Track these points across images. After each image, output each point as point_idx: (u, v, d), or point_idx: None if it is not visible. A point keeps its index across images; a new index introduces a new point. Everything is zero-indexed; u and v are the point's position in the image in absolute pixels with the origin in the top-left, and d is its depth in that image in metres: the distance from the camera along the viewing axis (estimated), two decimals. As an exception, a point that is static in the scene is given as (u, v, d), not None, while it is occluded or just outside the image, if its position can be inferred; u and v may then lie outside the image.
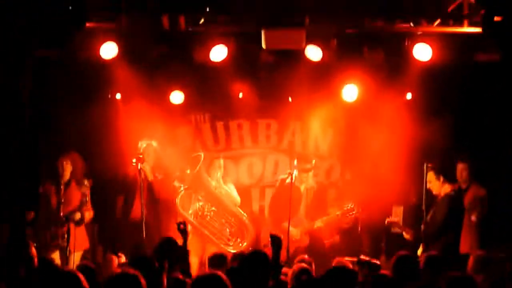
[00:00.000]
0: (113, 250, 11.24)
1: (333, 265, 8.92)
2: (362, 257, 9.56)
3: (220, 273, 6.48)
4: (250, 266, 7.40)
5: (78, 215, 11.85)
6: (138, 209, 12.02)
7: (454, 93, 12.94)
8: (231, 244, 12.22)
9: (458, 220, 11.40)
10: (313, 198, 12.43)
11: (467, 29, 11.80)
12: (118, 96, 13.35)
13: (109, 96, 13.34)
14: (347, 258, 9.65)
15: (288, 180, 12.08)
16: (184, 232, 9.13)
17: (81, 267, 8.00)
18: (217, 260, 9.37)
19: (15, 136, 11.38)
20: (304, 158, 12.74)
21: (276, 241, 8.15)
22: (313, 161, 12.74)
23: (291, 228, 11.87)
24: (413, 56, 12.18)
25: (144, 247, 11.35)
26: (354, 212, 12.01)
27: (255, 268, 7.36)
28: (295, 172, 12.13)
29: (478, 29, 11.51)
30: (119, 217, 12.68)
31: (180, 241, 9.44)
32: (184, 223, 9.07)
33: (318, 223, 12.19)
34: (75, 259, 11.62)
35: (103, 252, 12.21)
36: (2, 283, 6.62)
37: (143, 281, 6.01)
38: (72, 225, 11.67)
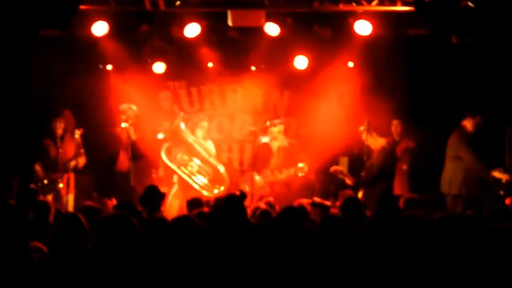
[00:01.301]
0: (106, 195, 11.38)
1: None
2: (316, 199, 9.93)
3: (192, 215, 6.87)
4: (224, 206, 7.18)
5: (73, 163, 12.05)
6: (122, 163, 12.30)
7: (389, 62, 13.16)
8: (209, 189, 12.32)
9: (392, 168, 11.58)
10: (283, 155, 12.55)
11: (400, 8, 11.99)
12: (109, 67, 13.57)
13: (101, 67, 13.58)
14: (304, 200, 9.55)
15: (259, 140, 12.48)
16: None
17: (88, 207, 8.33)
18: (194, 203, 9.27)
19: (22, 101, 11.73)
20: (273, 116, 13.13)
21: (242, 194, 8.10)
22: (282, 117, 12.97)
23: (257, 177, 12.29)
24: (355, 32, 12.44)
25: (132, 193, 11.62)
26: (305, 170, 12.19)
27: (227, 209, 7.15)
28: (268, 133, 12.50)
29: (410, 8, 11.82)
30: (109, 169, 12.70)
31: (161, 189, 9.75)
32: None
33: (279, 176, 12.34)
34: (69, 200, 12.05)
35: (98, 197, 12.37)
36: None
37: (134, 220, 6.07)
38: (70, 172, 12.03)
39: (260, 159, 12.39)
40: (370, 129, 11.36)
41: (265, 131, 12.74)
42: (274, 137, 12.53)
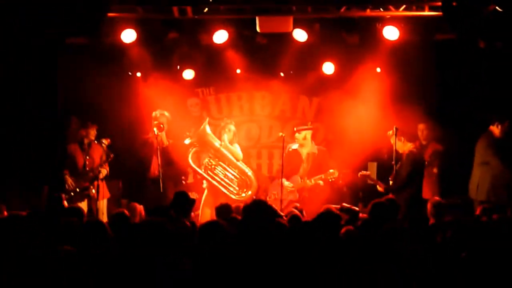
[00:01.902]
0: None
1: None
2: (344, 204, 9.83)
3: (221, 220, 6.98)
4: (252, 212, 7.17)
5: (104, 172, 12.07)
6: (155, 169, 12.22)
7: (417, 67, 13.02)
8: (237, 193, 12.21)
9: (420, 173, 11.55)
10: (312, 162, 12.42)
11: (427, 12, 11.85)
12: (138, 74, 13.62)
13: (130, 74, 13.64)
14: (333, 206, 9.21)
15: (289, 146, 12.40)
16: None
17: (119, 214, 8.45)
18: (223, 210, 9.34)
19: (49, 109, 11.78)
20: (301, 122, 12.99)
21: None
22: (309, 124, 12.74)
23: (286, 183, 12.24)
24: (383, 37, 12.34)
25: (162, 199, 11.54)
26: (335, 176, 12.13)
27: (256, 214, 7.13)
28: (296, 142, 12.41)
29: (437, 12, 11.63)
30: (140, 175, 12.67)
31: (191, 195, 9.75)
32: None
33: (308, 183, 12.19)
34: (103, 206, 12.08)
35: (127, 203, 12.39)
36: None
37: (169, 227, 6.15)
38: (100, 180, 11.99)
39: (289, 165, 12.31)
40: (399, 134, 11.33)
41: (293, 137, 12.68)
42: (302, 144, 12.45)
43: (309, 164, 12.45)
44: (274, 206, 8.94)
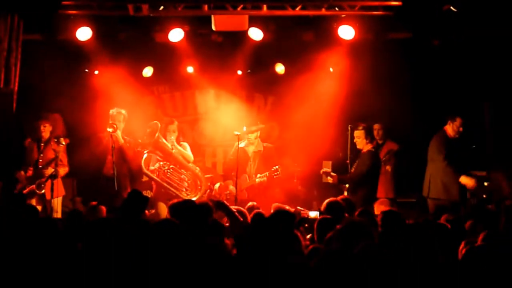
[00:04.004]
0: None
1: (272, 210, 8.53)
2: (299, 208, 9.89)
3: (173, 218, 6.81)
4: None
5: (50, 170, 11.76)
6: (109, 167, 11.87)
7: (372, 66, 12.88)
8: (188, 194, 11.91)
9: (378, 171, 11.35)
10: (259, 160, 12.07)
11: (382, 13, 11.87)
12: (96, 72, 13.50)
13: (86, 70, 13.48)
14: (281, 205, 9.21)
15: (236, 144, 11.97)
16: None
17: (74, 211, 8.43)
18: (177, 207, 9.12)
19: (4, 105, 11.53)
20: (251, 122, 12.50)
21: (219, 204, 8.23)
22: (259, 123, 12.34)
23: (231, 187, 11.98)
24: (338, 36, 12.32)
25: (116, 197, 11.25)
26: (278, 173, 11.68)
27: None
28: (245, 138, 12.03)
29: (391, 12, 11.72)
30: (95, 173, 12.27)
31: (145, 193, 9.58)
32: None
33: (253, 181, 11.89)
34: (57, 204, 11.83)
35: (82, 201, 12.18)
36: None
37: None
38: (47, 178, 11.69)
39: (237, 164, 12.14)
40: (367, 132, 11.19)
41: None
42: (251, 143, 12.17)
43: (255, 162, 12.19)
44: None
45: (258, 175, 11.84)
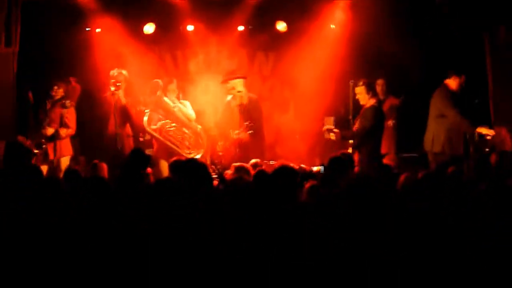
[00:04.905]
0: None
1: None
2: (302, 166, 9.76)
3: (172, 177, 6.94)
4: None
5: (50, 131, 11.73)
6: (112, 126, 11.97)
7: (373, 20, 12.78)
8: (190, 152, 11.96)
9: (381, 127, 11.10)
10: (242, 113, 11.80)
11: None
12: (98, 30, 13.40)
13: (87, 29, 13.38)
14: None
15: (228, 99, 12.01)
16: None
17: (69, 171, 8.51)
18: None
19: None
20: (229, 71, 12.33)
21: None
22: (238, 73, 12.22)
23: (219, 143, 11.94)
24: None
25: (119, 156, 11.32)
26: (251, 131, 11.45)
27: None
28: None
29: None
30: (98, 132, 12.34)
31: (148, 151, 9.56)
32: None
33: (232, 137, 11.75)
34: (63, 163, 11.84)
35: (86, 160, 12.17)
36: None
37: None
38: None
39: (225, 118, 12.03)
40: (368, 87, 11.02)
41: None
42: (234, 95, 11.87)
43: (237, 116, 11.91)
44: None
45: (235, 131, 11.72)
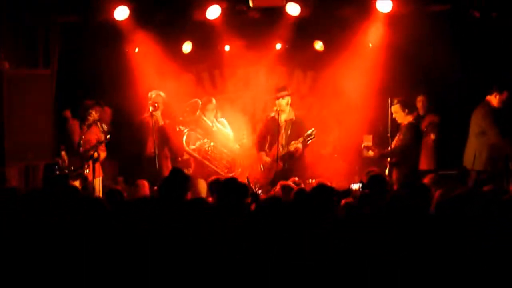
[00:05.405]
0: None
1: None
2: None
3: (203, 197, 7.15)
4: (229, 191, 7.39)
5: (95, 154, 11.63)
6: (150, 148, 12.00)
7: (412, 38, 12.56)
8: (228, 171, 11.96)
9: (419, 144, 11.19)
10: (291, 129, 11.81)
11: None
12: (136, 50, 13.42)
13: (126, 51, 13.38)
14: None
15: (272, 115, 11.93)
16: None
17: (111, 190, 8.53)
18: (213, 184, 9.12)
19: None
20: (280, 88, 12.10)
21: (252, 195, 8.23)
22: (289, 90, 12.09)
23: (264, 157, 11.94)
24: (376, 9, 12.08)
25: (158, 177, 11.17)
26: (313, 137, 11.41)
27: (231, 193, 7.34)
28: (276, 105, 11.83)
29: None
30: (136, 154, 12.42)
31: (186, 171, 9.56)
32: None
33: (287, 149, 11.65)
34: (98, 184, 11.83)
35: (124, 181, 12.19)
36: None
37: None
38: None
39: (268, 134, 11.92)
40: (403, 105, 11.00)
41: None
42: (282, 110, 11.81)
43: (287, 131, 11.86)
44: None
45: (292, 142, 11.65)
